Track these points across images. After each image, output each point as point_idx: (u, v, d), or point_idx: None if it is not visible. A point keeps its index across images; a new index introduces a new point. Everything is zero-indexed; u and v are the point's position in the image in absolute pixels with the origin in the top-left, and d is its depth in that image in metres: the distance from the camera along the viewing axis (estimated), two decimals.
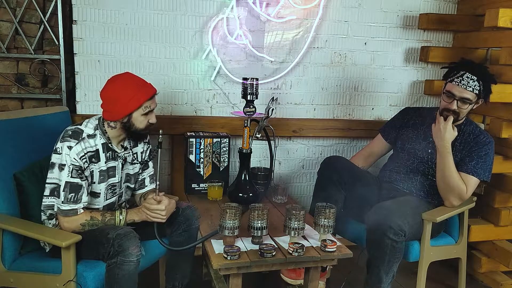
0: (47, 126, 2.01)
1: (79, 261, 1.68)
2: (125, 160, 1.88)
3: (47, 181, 1.72)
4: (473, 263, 2.56)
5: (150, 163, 2.02)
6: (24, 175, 1.82)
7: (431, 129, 2.11)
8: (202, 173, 2.38)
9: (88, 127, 1.76)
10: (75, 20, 2.31)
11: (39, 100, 2.43)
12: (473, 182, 2.08)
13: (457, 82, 2.05)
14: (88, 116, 2.16)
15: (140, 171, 2.00)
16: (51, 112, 2.10)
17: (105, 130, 1.79)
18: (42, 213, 1.80)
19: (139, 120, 1.76)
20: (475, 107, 2.11)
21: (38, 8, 2.30)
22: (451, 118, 2.06)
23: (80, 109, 2.41)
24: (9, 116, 1.88)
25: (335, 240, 1.83)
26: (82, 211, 1.72)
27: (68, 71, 2.40)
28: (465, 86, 2.03)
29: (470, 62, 2.12)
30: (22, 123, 1.91)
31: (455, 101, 2.06)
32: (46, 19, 2.32)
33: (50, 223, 1.79)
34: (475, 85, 2.02)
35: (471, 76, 2.02)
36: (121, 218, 1.77)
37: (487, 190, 2.45)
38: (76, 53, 2.35)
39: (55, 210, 1.73)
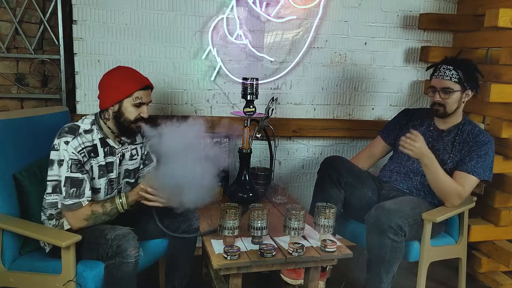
0: (47, 126, 2.01)
1: (79, 261, 1.68)
2: (123, 155, 1.88)
3: (48, 178, 1.72)
4: (473, 263, 2.56)
5: (153, 156, 2.00)
6: (24, 175, 1.82)
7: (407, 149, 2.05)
8: None
9: (84, 123, 1.77)
10: (75, 20, 2.31)
11: (39, 100, 2.43)
12: (472, 181, 2.08)
13: (436, 76, 2.14)
14: None
15: (141, 166, 1.99)
16: (51, 112, 2.09)
17: (101, 126, 1.79)
18: (42, 213, 1.80)
19: (128, 110, 1.76)
20: (465, 99, 2.13)
21: (38, 8, 2.30)
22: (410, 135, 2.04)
23: (80, 109, 2.41)
24: (9, 116, 1.88)
25: (335, 240, 1.83)
26: (86, 203, 1.71)
27: (68, 71, 2.40)
28: (442, 77, 2.11)
29: (448, 57, 2.18)
30: (22, 123, 1.91)
31: (437, 93, 2.12)
32: (46, 19, 2.32)
33: (50, 223, 1.79)
34: (452, 74, 2.09)
35: (447, 66, 2.11)
36: (122, 202, 1.76)
37: (487, 190, 2.45)
38: (76, 53, 2.35)
39: (59, 207, 1.72)
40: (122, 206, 1.76)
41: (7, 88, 2.39)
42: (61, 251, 1.62)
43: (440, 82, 2.11)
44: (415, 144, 2.02)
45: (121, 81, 1.75)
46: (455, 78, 2.08)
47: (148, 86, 1.81)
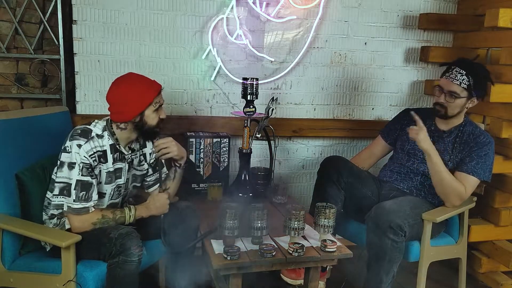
0: (47, 126, 2.01)
1: (79, 261, 1.68)
2: (132, 161, 1.88)
3: (56, 180, 1.71)
4: (473, 263, 2.56)
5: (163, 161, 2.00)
6: (26, 175, 1.82)
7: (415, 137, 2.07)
8: (202, 173, 2.38)
9: (96, 127, 1.76)
10: (75, 20, 2.31)
11: (39, 100, 2.43)
12: (472, 181, 2.08)
13: (447, 76, 2.10)
14: (88, 116, 2.16)
15: (150, 172, 1.98)
16: (51, 112, 2.10)
17: (113, 132, 1.79)
18: (43, 213, 1.80)
19: (151, 117, 1.77)
20: (469, 105, 2.12)
21: (38, 8, 2.30)
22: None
23: (80, 109, 2.41)
24: (8, 116, 1.88)
25: (335, 240, 1.83)
26: (93, 209, 1.72)
27: (68, 71, 2.39)
28: (452, 79, 2.07)
29: (464, 59, 2.13)
30: (22, 123, 1.91)
31: (443, 94, 2.10)
32: (46, 19, 2.32)
33: (51, 223, 1.79)
34: (463, 79, 2.04)
35: (460, 70, 2.06)
36: (130, 214, 1.77)
37: (487, 190, 2.44)
38: (76, 53, 2.35)
39: (65, 209, 1.72)
40: (130, 217, 1.78)
41: (7, 88, 2.39)
42: (61, 251, 1.62)
43: (448, 84, 2.08)
44: (420, 132, 2.04)
45: (140, 92, 1.73)
46: (465, 84, 2.04)
47: (161, 89, 1.81)
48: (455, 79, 2.06)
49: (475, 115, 2.56)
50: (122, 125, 1.78)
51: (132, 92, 1.72)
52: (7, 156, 1.81)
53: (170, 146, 1.83)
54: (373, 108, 2.82)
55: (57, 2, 2.27)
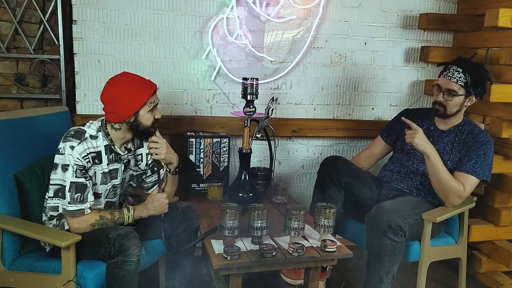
0: (47, 126, 2.01)
1: (79, 261, 1.68)
2: (128, 162, 1.88)
3: (51, 182, 1.71)
4: (473, 263, 2.56)
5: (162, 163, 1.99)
6: (25, 175, 1.82)
7: (412, 141, 2.08)
8: (202, 173, 2.39)
9: (91, 128, 1.75)
10: (75, 20, 2.31)
11: (39, 100, 2.43)
12: (471, 181, 2.08)
13: (444, 75, 2.12)
14: (88, 116, 2.15)
15: (149, 173, 1.97)
16: (51, 112, 2.09)
17: (108, 132, 1.78)
18: (43, 214, 1.80)
19: (146, 117, 1.75)
20: (468, 103, 2.12)
21: (38, 8, 2.30)
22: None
23: (80, 109, 2.41)
24: (9, 116, 1.88)
25: (335, 240, 1.83)
26: (89, 211, 1.71)
27: (68, 71, 2.39)
28: (449, 78, 2.08)
29: (461, 58, 2.15)
30: (22, 123, 1.91)
31: (441, 93, 2.11)
32: (46, 19, 2.32)
33: (51, 224, 1.79)
34: (460, 76, 2.06)
35: (456, 68, 2.08)
36: (129, 215, 1.77)
37: (487, 190, 2.45)
38: (76, 53, 2.35)
39: (61, 211, 1.71)
40: (128, 218, 1.77)
41: (7, 88, 2.39)
42: (61, 251, 1.62)
43: (446, 83, 2.09)
44: (413, 131, 2.06)
45: (134, 92, 1.71)
46: (462, 81, 2.06)
47: (156, 89, 1.80)
48: (453, 77, 2.07)
49: (475, 115, 2.56)
50: (116, 125, 1.76)
51: (126, 92, 1.71)
52: (7, 156, 1.80)
53: (159, 148, 1.82)
54: (373, 108, 2.82)
55: (57, 2, 2.27)
